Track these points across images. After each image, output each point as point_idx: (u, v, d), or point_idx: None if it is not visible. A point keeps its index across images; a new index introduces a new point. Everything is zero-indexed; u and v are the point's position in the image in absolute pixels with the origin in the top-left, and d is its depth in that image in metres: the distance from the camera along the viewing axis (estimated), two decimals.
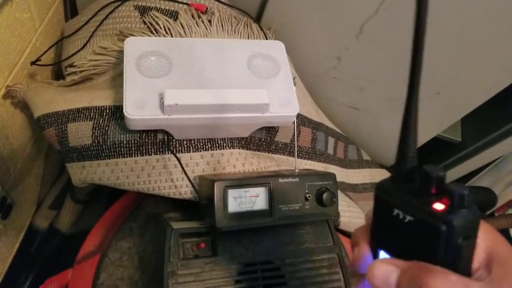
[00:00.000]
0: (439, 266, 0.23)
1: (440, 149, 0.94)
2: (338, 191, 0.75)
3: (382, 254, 0.27)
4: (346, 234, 0.71)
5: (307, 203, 0.52)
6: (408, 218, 0.24)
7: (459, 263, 0.23)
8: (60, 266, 0.63)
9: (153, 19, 0.62)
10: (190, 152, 0.56)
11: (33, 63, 0.64)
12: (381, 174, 0.93)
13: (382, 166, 0.96)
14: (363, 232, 0.28)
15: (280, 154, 0.66)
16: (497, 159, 0.94)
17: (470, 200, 0.22)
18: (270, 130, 0.62)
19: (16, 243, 0.80)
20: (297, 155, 0.69)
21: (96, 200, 0.89)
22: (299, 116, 0.68)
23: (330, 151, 0.79)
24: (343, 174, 0.81)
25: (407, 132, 0.24)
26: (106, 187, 0.57)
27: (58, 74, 0.75)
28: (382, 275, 0.24)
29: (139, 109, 0.49)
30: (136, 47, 0.52)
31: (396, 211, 0.24)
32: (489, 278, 0.23)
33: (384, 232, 0.26)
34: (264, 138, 0.62)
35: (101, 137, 0.54)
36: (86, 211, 0.91)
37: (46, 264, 0.90)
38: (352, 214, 0.71)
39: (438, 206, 0.22)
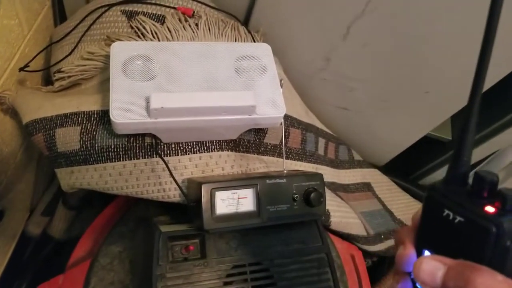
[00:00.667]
0: (486, 266, 0.23)
1: (430, 148, 0.94)
2: (329, 191, 0.75)
3: (427, 254, 0.28)
4: (337, 234, 0.71)
5: (295, 203, 0.52)
6: (459, 219, 0.24)
7: (506, 265, 0.23)
8: (53, 273, 0.62)
9: (140, 24, 0.62)
10: (178, 155, 0.56)
11: (21, 69, 0.64)
12: (372, 174, 0.93)
13: (373, 166, 0.96)
14: (409, 232, 0.29)
15: (269, 156, 0.66)
16: (488, 156, 0.94)
17: None
18: (259, 132, 0.63)
19: (8, 250, 0.80)
20: (287, 157, 0.69)
21: (89, 206, 0.89)
22: (288, 117, 0.68)
23: (321, 151, 0.79)
24: (334, 175, 0.82)
25: (466, 135, 0.25)
26: (98, 193, 0.57)
27: (48, 80, 0.75)
28: (430, 271, 0.25)
29: (126, 113, 0.49)
30: (122, 51, 0.53)
31: (446, 212, 0.25)
32: None
33: (431, 232, 0.27)
34: (253, 140, 0.62)
35: (89, 142, 0.54)
36: (79, 217, 0.91)
37: (39, 271, 0.89)
38: (343, 214, 0.71)
39: (490, 209, 0.23)
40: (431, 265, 0.25)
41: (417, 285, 0.28)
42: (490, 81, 0.71)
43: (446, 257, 0.26)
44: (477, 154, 0.92)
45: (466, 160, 0.25)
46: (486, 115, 0.90)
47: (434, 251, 0.27)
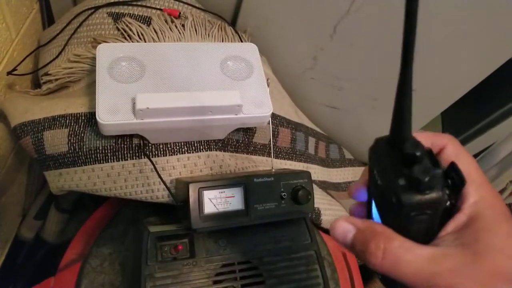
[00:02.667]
0: (392, 229, 0.25)
1: None
2: (320, 190, 0.75)
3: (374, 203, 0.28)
4: (329, 232, 0.71)
5: (282, 201, 0.52)
6: (379, 181, 0.25)
7: (414, 232, 0.24)
8: (47, 276, 0.62)
9: (126, 25, 0.62)
10: (166, 155, 0.56)
11: (9, 73, 0.64)
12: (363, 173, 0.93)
13: (365, 164, 0.96)
14: (366, 170, 0.30)
15: (258, 155, 0.66)
16: (480, 153, 0.95)
17: (431, 183, 0.23)
18: (248, 132, 0.63)
19: (1, 255, 0.79)
20: (277, 156, 0.69)
21: (81, 209, 0.89)
22: (277, 117, 0.69)
23: (311, 151, 0.80)
24: (325, 174, 0.82)
25: (406, 100, 0.23)
26: (90, 196, 0.57)
27: (37, 84, 0.75)
28: (342, 233, 0.27)
29: (112, 114, 0.49)
30: (108, 53, 0.53)
31: (374, 171, 0.26)
32: (455, 243, 0.24)
33: (371, 184, 0.28)
34: (242, 140, 0.63)
35: (77, 144, 0.54)
36: (72, 220, 0.91)
37: (33, 275, 0.89)
38: (334, 212, 0.71)
39: (402, 181, 0.23)
40: (343, 228, 0.27)
41: (372, 208, 0.29)
42: (471, 82, 0.72)
43: (379, 212, 0.27)
44: (472, 148, 0.93)
45: (405, 124, 0.24)
46: (471, 116, 0.91)
47: (374, 200, 0.28)
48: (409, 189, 0.23)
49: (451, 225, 0.25)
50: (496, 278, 0.22)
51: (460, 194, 0.25)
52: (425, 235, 0.25)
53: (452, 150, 0.27)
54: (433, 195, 0.23)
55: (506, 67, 0.68)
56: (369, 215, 0.29)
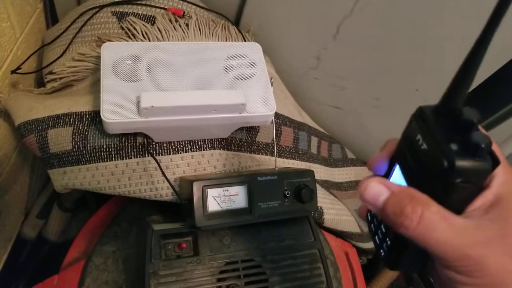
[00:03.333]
0: (430, 197, 0.24)
1: None
2: (322, 189, 0.76)
3: (397, 168, 0.28)
4: (331, 231, 0.72)
5: (286, 200, 0.52)
6: (424, 146, 0.25)
7: (450, 201, 0.24)
8: (49, 275, 0.63)
9: (131, 24, 0.62)
10: (170, 154, 0.56)
11: (13, 71, 0.64)
12: (366, 172, 0.93)
13: (367, 164, 0.97)
14: (392, 142, 0.30)
15: (262, 154, 0.66)
16: None
17: (487, 152, 0.23)
18: (251, 131, 0.63)
19: (4, 253, 0.80)
20: (280, 155, 0.70)
21: (84, 208, 0.89)
22: (280, 116, 0.69)
23: (314, 150, 0.80)
24: (327, 173, 0.82)
25: (472, 68, 0.23)
26: (92, 195, 0.57)
27: (41, 82, 0.76)
28: (374, 194, 0.26)
29: (117, 113, 0.49)
30: (112, 52, 0.53)
31: (418, 136, 0.25)
32: (484, 217, 0.25)
33: (405, 150, 0.27)
34: (245, 139, 0.63)
35: (81, 142, 0.55)
36: (74, 219, 0.91)
37: (36, 274, 0.90)
38: (337, 211, 0.72)
39: (454, 146, 0.23)
40: (376, 189, 0.26)
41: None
42: (483, 75, 0.72)
43: (407, 179, 0.27)
44: None
45: (464, 92, 0.24)
46: (480, 110, 0.90)
47: (402, 169, 0.28)
48: (463, 154, 0.23)
49: (479, 201, 0.25)
50: None
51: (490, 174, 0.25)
52: (458, 207, 0.25)
53: None
54: (485, 163, 0.23)
55: (506, 67, 0.68)
56: None
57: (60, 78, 0.62)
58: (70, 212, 0.88)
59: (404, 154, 0.27)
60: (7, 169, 0.73)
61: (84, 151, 0.54)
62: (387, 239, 0.30)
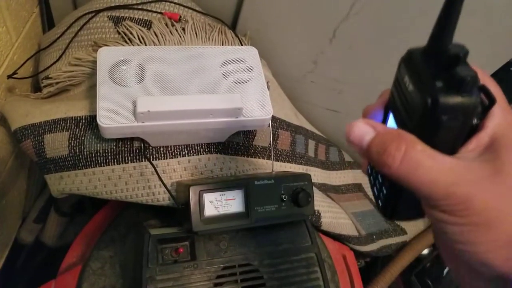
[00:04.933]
0: (417, 136, 0.24)
1: None
2: (320, 192, 0.76)
3: (391, 116, 0.28)
4: (329, 234, 0.72)
5: (283, 204, 0.52)
6: (411, 87, 0.24)
7: (439, 141, 0.24)
8: (46, 280, 0.62)
9: (127, 29, 0.62)
10: (167, 158, 0.56)
11: (9, 76, 0.64)
12: (363, 175, 0.94)
13: None
14: (387, 91, 0.29)
15: (259, 158, 0.66)
16: None
17: (473, 85, 0.23)
18: (248, 134, 0.63)
19: (1, 258, 0.79)
20: (277, 159, 0.70)
21: (81, 213, 0.89)
22: (277, 119, 0.69)
23: (311, 153, 0.80)
24: (324, 176, 0.82)
25: (457, 3, 0.22)
26: (89, 199, 0.57)
27: (37, 87, 0.76)
28: (359, 134, 0.25)
29: (113, 117, 0.49)
30: (108, 56, 0.53)
31: (406, 78, 0.25)
32: (477, 159, 0.24)
33: (396, 95, 0.27)
34: (242, 143, 0.63)
35: (77, 147, 0.54)
36: (72, 224, 0.91)
37: (33, 279, 0.89)
38: (334, 215, 0.72)
39: (439, 83, 0.23)
40: (361, 130, 0.25)
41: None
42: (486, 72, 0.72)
43: (398, 123, 0.26)
44: None
45: (451, 32, 0.23)
46: None
47: (394, 115, 0.27)
48: (447, 90, 0.23)
49: (473, 143, 0.25)
50: None
51: (485, 115, 0.25)
52: (448, 147, 0.24)
53: (480, 74, 0.25)
54: (471, 98, 0.23)
55: (505, 68, 0.69)
56: None
57: (57, 83, 0.62)
58: (67, 216, 0.88)
59: (395, 99, 0.27)
60: (4, 174, 0.73)
61: (80, 156, 0.54)
62: (383, 189, 0.30)
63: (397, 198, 0.29)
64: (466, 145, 0.25)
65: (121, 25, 0.64)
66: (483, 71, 0.26)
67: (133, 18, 0.65)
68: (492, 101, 0.24)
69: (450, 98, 0.22)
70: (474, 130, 0.25)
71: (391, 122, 0.28)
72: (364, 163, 0.33)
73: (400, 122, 0.27)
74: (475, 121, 0.25)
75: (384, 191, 0.30)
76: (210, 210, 0.49)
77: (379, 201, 0.31)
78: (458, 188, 0.22)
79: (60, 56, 0.64)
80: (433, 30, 0.24)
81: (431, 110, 0.23)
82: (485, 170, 0.23)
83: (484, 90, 0.24)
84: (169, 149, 0.57)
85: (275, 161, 0.68)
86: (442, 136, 0.24)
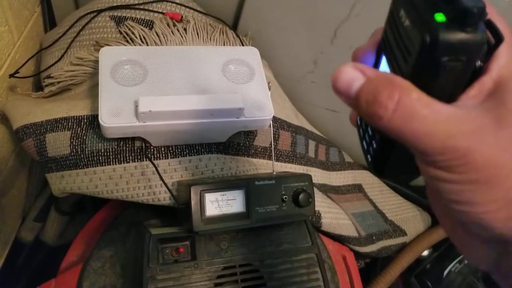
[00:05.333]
0: (412, 81, 0.21)
1: None
2: (320, 193, 0.76)
3: (384, 60, 0.25)
4: (329, 235, 0.72)
5: (283, 204, 0.52)
6: (407, 22, 0.21)
7: (438, 87, 0.21)
8: (46, 278, 0.62)
9: (129, 29, 0.63)
10: (168, 158, 0.56)
11: (11, 75, 0.64)
12: (363, 176, 0.94)
13: (364, 167, 0.97)
14: (380, 30, 0.26)
15: (259, 158, 0.66)
16: None
17: (479, 18, 0.19)
18: (249, 135, 0.63)
19: (1, 257, 0.79)
20: (277, 159, 0.70)
21: (81, 211, 0.89)
22: (278, 120, 0.69)
23: (311, 154, 0.80)
24: (325, 176, 0.82)
25: None
26: (90, 198, 0.57)
27: (38, 86, 0.76)
28: (347, 80, 0.22)
29: (114, 117, 0.50)
30: (111, 56, 0.53)
31: (402, 12, 0.22)
32: (479, 107, 0.21)
33: (388, 34, 0.24)
34: (242, 143, 0.63)
35: (79, 146, 0.55)
36: (72, 223, 0.91)
37: (33, 277, 0.89)
38: (334, 215, 0.72)
39: (439, 17, 0.19)
40: (350, 75, 0.22)
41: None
42: None
43: (391, 68, 0.23)
44: None
45: None
46: None
47: (387, 58, 0.24)
48: (449, 24, 0.19)
49: (475, 88, 0.22)
50: None
51: (490, 56, 0.22)
52: (447, 94, 0.21)
53: (487, 8, 0.21)
54: (477, 35, 0.19)
55: None
56: None
57: (58, 82, 0.62)
58: (67, 215, 0.88)
59: (388, 39, 0.24)
60: (4, 172, 0.73)
61: (82, 155, 0.54)
62: (373, 142, 0.26)
63: (388, 152, 0.26)
64: (467, 91, 0.22)
65: (123, 25, 0.64)
66: (490, 5, 0.21)
67: (135, 18, 0.65)
68: (499, 39, 0.20)
69: (452, 34, 0.19)
70: (477, 73, 0.22)
71: (384, 66, 0.25)
72: (353, 114, 0.30)
73: (394, 66, 0.23)
74: (478, 63, 0.21)
75: (374, 145, 0.26)
76: (211, 210, 0.50)
77: (368, 156, 0.28)
78: (456, 141, 0.20)
79: (62, 56, 0.64)
80: None
81: (429, 49, 0.19)
82: (488, 119, 0.20)
83: (490, 25, 0.20)
84: (170, 149, 0.57)
85: (276, 161, 0.69)
86: (441, 81, 0.21)
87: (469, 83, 0.22)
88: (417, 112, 0.20)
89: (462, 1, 0.19)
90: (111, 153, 0.55)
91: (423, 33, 0.19)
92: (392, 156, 0.26)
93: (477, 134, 0.20)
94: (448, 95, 0.21)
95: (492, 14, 0.21)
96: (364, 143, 0.28)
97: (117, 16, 0.65)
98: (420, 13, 0.20)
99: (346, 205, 0.81)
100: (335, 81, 0.23)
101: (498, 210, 0.20)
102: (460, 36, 0.19)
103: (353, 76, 0.22)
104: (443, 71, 0.20)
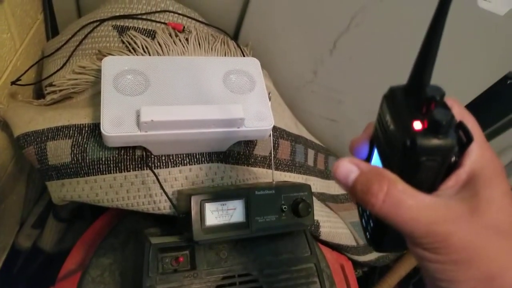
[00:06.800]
0: (401, 177, 0.25)
1: None
2: (318, 202, 0.76)
3: (376, 152, 0.28)
4: (327, 244, 0.72)
5: (283, 214, 0.53)
6: (392, 126, 0.25)
7: (419, 179, 0.25)
8: (44, 286, 0.62)
9: (131, 38, 0.63)
10: (168, 167, 0.57)
11: (13, 83, 0.65)
12: None
13: None
14: (372, 124, 0.30)
15: (259, 167, 0.67)
16: None
17: (449, 127, 0.24)
18: (249, 144, 0.64)
19: None
20: (277, 168, 0.70)
21: (80, 219, 0.89)
22: (277, 129, 0.70)
23: (310, 163, 0.81)
24: (323, 185, 0.83)
25: (432, 49, 0.24)
26: (88, 205, 0.58)
27: (40, 94, 0.76)
28: (344, 172, 0.26)
29: (116, 126, 0.50)
30: (113, 66, 0.54)
31: (387, 117, 0.26)
32: (455, 196, 0.25)
33: (379, 132, 0.28)
34: (242, 152, 0.63)
35: (80, 155, 0.55)
36: (70, 230, 0.91)
37: (30, 285, 0.89)
38: (332, 224, 0.72)
39: (417, 125, 0.24)
40: (347, 168, 0.26)
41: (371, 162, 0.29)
42: (467, 97, 0.74)
43: (382, 160, 0.27)
44: None
45: (429, 72, 0.24)
46: (478, 122, 0.92)
47: (378, 150, 0.28)
48: (425, 132, 0.23)
49: (452, 180, 0.25)
50: (491, 230, 0.23)
51: (464, 152, 0.26)
52: (428, 185, 0.25)
53: (457, 111, 0.26)
54: (447, 140, 0.24)
55: (503, 81, 0.70)
56: None
57: (60, 90, 0.62)
58: (65, 222, 0.88)
59: (378, 135, 0.28)
60: (3, 179, 0.73)
61: (83, 164, 0.55)
62: (371, 222, 0.30)
63: (383, 232, 0.29)
64: (445, 182, 0.26)
65: (125, 34, 0.64)
66: (460, 106, 0.27)
67: (138, 28, 0.66)
68: (469, 139, 0.24)
69: (427, 140, 0.23)
70: (452, 167, 0.26)
71: (376, 157, 0.29)
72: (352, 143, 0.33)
73: (384, 158, 0.28)
74: (453, 158, 0.25)
75: (371, 224, 0.30)
76: (211, 219, 0.50)
77: (367, 233, 0.32)
78: (437, 227, 0.23)
79: (64, 64, 0.65)
80: (412, 71, 0.25)
81: (410, 151, 0.24)
82: (463, 208, 0.24)
83: (462, 127, 0.25)
84: (171, 158, 0.57)
85: (275, 170, 0.69)
86: (422, 175, 0.25)
87: (447, 175, 0.26)
88: (403, 201, 0.24)
89: (434, 114, 0.23)
90: (111, 162, 0.55)
91: (405, 138, 0.24)
92: (386, 235, 0.30)
93: (455, 221, 0.23)
94: (429, 186, 0.25)
95: (464, 115, 0.27)
96: (363, 221, 0.32)
97: (119, 25, 0.66)
98: (401, 120, 0.25)
99: (345, 214, 0.81)
100: (335, 172, 0.27)
101: (478, 287, 0.23)
102: (434, 141, 0.23)
103: (349, 169, 0.26)
104: (423, 168, 0.24)
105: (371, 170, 0.26)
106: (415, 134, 0.23)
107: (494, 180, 0.25)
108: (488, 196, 0.24)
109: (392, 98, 0.26)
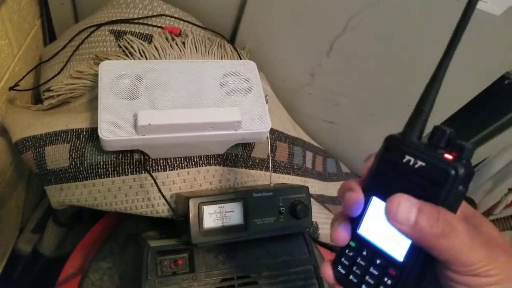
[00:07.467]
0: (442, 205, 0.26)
1: None
2: (317, 204, 0.76)
3: (375, 200, 0.29)
4: (326, 246, 0.72)
5: (281, 216, 0.53)
6: (420, 163, 0.26)
7: (455, 208, 0.26)
8: None
9: (128, 43, 0.63)
10: (166, 170, 0.57)
11: (11, 88, 0.65)
12: None
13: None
14: (358, 181, 0.30)
15: (257, 170, 0.67)
16: (474, 167, 0.96)
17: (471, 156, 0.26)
18: (247, 146, 0.64)
19: None
20: (275, 170, 0.70)
21: (79, 223, 0.89)
22: (275, 131, 0.70)
23: (308, 165, 0.81)
24: (322, 187, 0.83)
25: (430, 91, 0.27)
26: (88, 210, 0.58)
27: (38, 99, 0.76)
28: (406, 211, 0.25)
29: (114, 130, 0.50)
30: (110, 70, 0.54)
31: (407, 158, 0.27)
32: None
33: (385, 179, 0.28)
34: (240, 154, 0.64)
35: (78, 159, 0.55)
36: (70, 234, 0.91)
37: None
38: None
39: (448, 156, 0.25)
40: (408, 205, 0.25)
41: (358, 232, 0.29)
42: (465, 98, 0.74)
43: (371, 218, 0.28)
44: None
45: (426, 114, 0.27)
46: (472, 125, 0.92)
47: (381, 195, 0.28)
48: (460, 161, 0.25)
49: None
50: (494, 242, 0.26)
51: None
52: (456, 210, 0.27)
53: None
54: (472, 167, 0.25)
55: (500, 81, 0.70)
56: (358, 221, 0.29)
57: (58, 95, 0.62)
58: (65, 227, 0.88)
59: (386, 183, 0.28)
60: (3, 184, 0.73)
61: (81, 168, 0.55)
62: (385, 278, 0.28)
63: (421, 276, 0.28)
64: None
65: (122, 39, 0.65)
66: None
67: (134, 32, 0.66)
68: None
69: (464, 167, 0.25)
70: None
71: (374, 205, 0.29)
72: (325, 270, 0.31)
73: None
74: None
75: (388, 282, 0.28)
76: (209, 222, 0.50)
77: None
78: (482, 252, 0.25)
79: (62, 69, 0.65)
80: (413, 116, 0.28)
81: (454, 180, 0.25)
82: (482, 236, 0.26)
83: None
84: (169, 161, 0.57)
85: (273, 172, 0.69)
86: (452, 204, 0.26)
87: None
88: (457, 228, 0.25)
89: (463, 143, 0.25)
90: (110, 166, 0.55)
91: (448, 168, 0.25)
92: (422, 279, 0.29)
93: (487, 245, 0.26)
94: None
95: None
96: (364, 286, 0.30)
97: (116, 30, 0.66)
98: (431, 155, 0.26)
99: None
100: (395, 214, 0.26)
101: None
102: (469, 167, 0.25)
103: (409, 205, 0.26)
104: (457, 195, 0.26)
105: (424, 203, 0.26)
106: (455, 163, 0.25)
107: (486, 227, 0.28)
108: (487, 229, 0.28)
109: (398, 142, 0.27)
